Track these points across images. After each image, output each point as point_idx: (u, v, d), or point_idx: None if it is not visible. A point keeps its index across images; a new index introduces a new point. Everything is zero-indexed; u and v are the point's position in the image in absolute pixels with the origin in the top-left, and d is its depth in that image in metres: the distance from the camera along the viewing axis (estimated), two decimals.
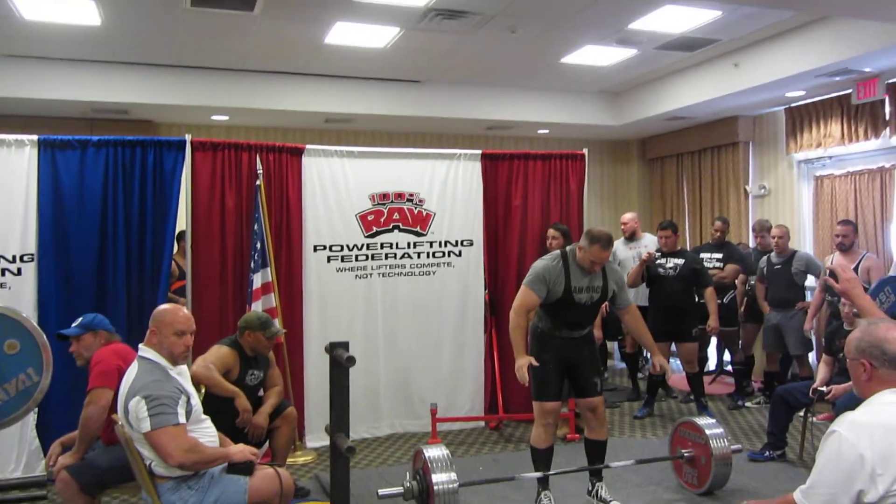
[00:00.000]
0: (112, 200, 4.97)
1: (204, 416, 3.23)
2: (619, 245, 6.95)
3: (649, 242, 6.72)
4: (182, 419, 2.98)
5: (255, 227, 5.18)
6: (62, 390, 4.00)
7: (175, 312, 3.20)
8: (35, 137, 4.83)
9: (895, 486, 2.08)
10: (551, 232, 5.83)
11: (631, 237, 6.92)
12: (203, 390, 3.92)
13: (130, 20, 5.75)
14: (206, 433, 3.20)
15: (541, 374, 4.06)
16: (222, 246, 5.25)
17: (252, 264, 5.15)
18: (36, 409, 4.12)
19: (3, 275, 4.71)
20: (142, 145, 5.07)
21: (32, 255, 4.76)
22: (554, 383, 4.08)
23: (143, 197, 5.04)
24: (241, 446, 3.25)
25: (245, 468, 3.14)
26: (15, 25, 5.69)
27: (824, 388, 4.66)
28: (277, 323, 5.01)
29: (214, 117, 7.69)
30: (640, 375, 7.14)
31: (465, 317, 5.94)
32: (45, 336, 3.50)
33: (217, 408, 3.75)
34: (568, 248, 4.14)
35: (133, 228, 5.02)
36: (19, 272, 4.74)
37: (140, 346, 3.17)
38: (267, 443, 4.20)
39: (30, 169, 4.79)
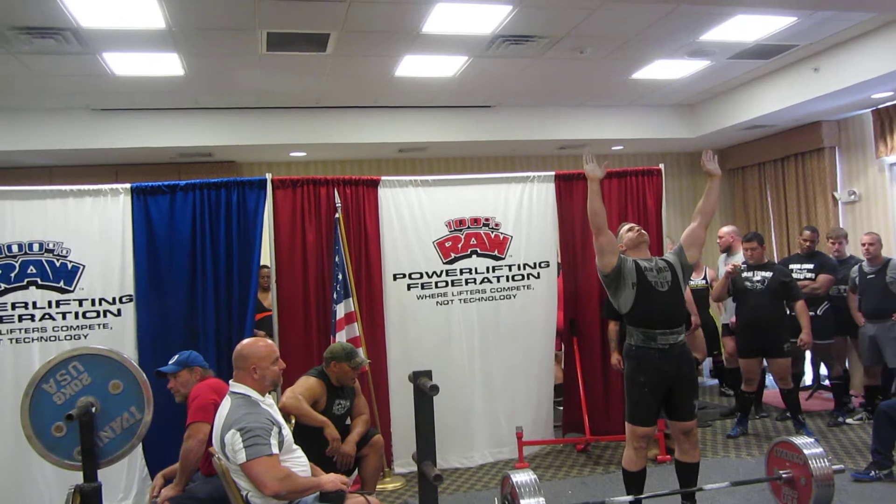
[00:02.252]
0: (200, 240, 5.19)
1: (295, 447, 3.33)
2: (720, 260, 6.81)
3: (734, 262, 6.53)
4: (275, 449, 3.07)
5: (336, 258, 5.32)
6: (163, 426, 4.18)
7: (267, 344, 3.34)
8: (128, 185, 5.13)
9: None
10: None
11: (727, 251, 6.72)
12: (293, 421, 4.03)
13: (211, 68, 6.05)
14: (299, 463, 3.28)
15: (637, 397, 3.98)
16: (305, 279, 5.41)
17: (335, 295, 5.27)
18: (141, 444, 4.31)
19: (106, 316, 4.99)
20: (226, 186, 5.29)
21: (131, 296, 5.03)
22: (650, 408, 3.98)
23: (228, 235, 5.25)
24: (332, 475, 3.32)
25: (337, 497, 3.20)
26: (108, 81, 6.09)
27: None
28: (362, 353, 5.12)
29: (293, 154, 7.97)
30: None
31: (545, 338, 5.90)
32: (144, 375, 3.68)
33: (306, 438, 3.84)
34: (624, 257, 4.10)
35: (220, 266, 5.22)
36: (119, 313, 5.02)
37: (231, 381, 3.29)
38: (356, 471, 4.27)
39: (125, 215, 5.08)
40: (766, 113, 7.33)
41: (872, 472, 4.73)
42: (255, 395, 3.22)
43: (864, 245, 6.16)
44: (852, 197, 7.71)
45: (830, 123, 7.85)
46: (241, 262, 5.26)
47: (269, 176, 5.35)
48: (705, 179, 4.32)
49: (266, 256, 5.39)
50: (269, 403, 3.29)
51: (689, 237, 4.15)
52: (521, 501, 3.70)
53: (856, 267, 6.27)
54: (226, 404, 3.22)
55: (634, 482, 4.03)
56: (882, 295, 6.02)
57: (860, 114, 7.57)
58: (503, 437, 5.73)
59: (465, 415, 5.70)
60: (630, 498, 4.02)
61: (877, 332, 6.02)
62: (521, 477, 3.82)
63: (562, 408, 6.17)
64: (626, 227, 4.24)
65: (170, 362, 3.98)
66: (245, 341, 3.45)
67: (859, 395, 6.71)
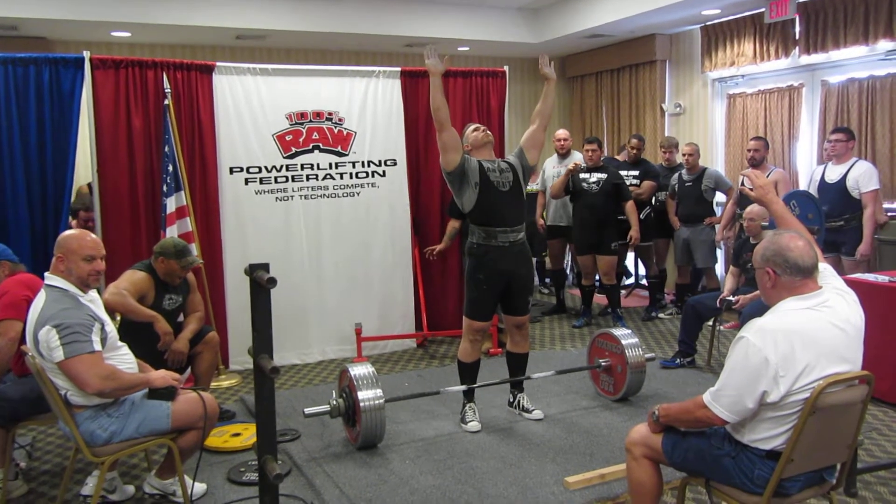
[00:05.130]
0: (6, 123, 4.69)
1: (121, 343, 3.16)
2: (549, 162, 7.02)
3: (579, 160, 6.79)
4: (97, 346, 2.89)
5: (166, 149, 4.98)
6: None
7: (82, 238, 3.07)
8: None
9: (795, 386, 2.23)
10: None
11: (565, 155, 6.95)
12: (118, 318, 3.81)
13: None
14: (124, 360, 3.13)
15: (475, 294, 4.10)
16: (131, 169, 5.04)
17: (165, 188, 4.97)
18: None
19: None
20: (35, 63, 4.77)
21: None
22: (486, 304, 4.11)
23: (40, 119, 4.78)
24: (162, 372, 3.19)
25: (167, 393, 3.09)
26: None
27: (732, 298, 4.91)
28: (195, 252, 4.90)
29: (115, 33, 7.21)
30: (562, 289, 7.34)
31: (393, 238, 5.92)
32: None
33: (135, 334, 3.66)
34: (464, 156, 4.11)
35: (31, 152, 4.77)
36: None
37: (46, 274, 3.04)
38: (189, 369, 4.15)
39: None
40: (606, 22, 7.51)
41: (678, 360, 5.24)
42: (73, 289, 2.99)
43: (684, 155, 6.63)
44: (678, 109, 8.19)
45: (663, 37, 8.20)
46: (55, 149, 4.82)
47: (87, 54, 4.85)
48: None
49: (86, 143, 4.94)
50: (90, 299, 3.07)
51: (529, 139, 4.23)
52: (359, 393, 3.77)
53: (676, 175, 6.75)
54: (40, 299, 2.97)
55: (468, 372, 4.21)
56: (696, 201, 6.56)
57: (690, 29, 7.96)
58: (344, 335, 5.77)
59: (305, 312, 5.67)
60: (464, 387, 4.20)
61: (689, 236, 6.58)
62: (359, 370, 3.88)
63: None
64: (472, 127, 4.24)
65: None
66: (69, 230, 3.18)
67: (671, 293, 7.36)
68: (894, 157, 6.04)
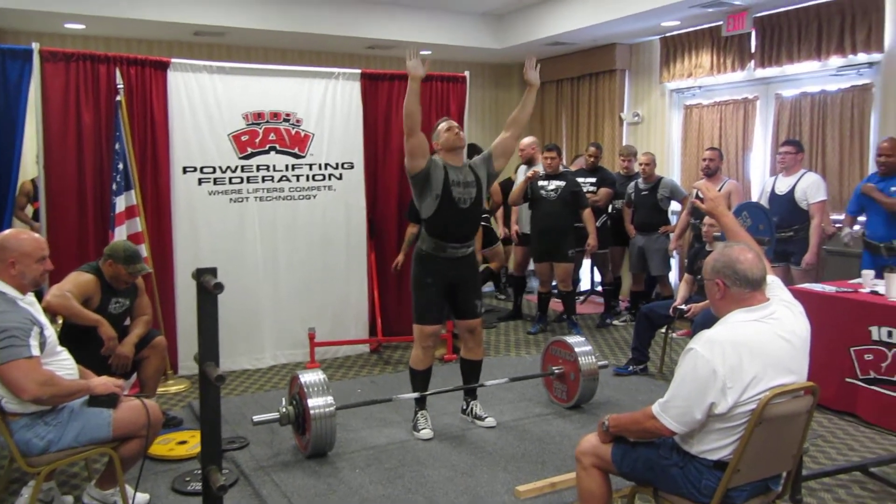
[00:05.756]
0: None
1: (60, 348, 3.05)
2: (521, 171, 7.01)
3: (538, 168, 6.79)
4: (35, 351, 2.78)
5: (117, 146, 4.85)
6: None
7: (33, 240, 2.97)
8: None
9: (742, 397, 2.25)
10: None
11: (528, 163, 6.95)
12: (60, 321, 3.69)
13: None
14: (64, 366, 3.02)
15: (424, 298, 4.07)
16: (79, 166, 4.90)
17: (114, 186, 4.84)
18: None
19: None
20: None
21: None
22: (435, 308, 4.09)
23: None
24: (103, 378, 3.09)
25: (108, 400, 2.99)
26: None
27: (684, 307, 4.96)
28: (146, 257, 4.79)
29: (68, 25, 7.03)
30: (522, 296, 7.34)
31: (349, 241, 5.86)
32: None
33: (78, 339, 3.56)
34: (434, 156, 4.03)
35: None
36: None
37: None
38: (135, 375, 4.04)
39: None
40: (567, 31, 7.57)
41: (631, 367, 5.28)
42: (11, 291, 2.88)
43: (640, 164, 6.70)
44: (636, 118, 8.28)
45: (623, 47, 8.29)
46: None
47: (35, 46, 4.70)
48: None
49: (33, 138, 4.79)
50: (29, 301, 2.96)
51: (500, 146, 4.15)
52: (309, 401, 3.71)
53: (632, 183, 6.82)
54: None
55: (420, 380, 4.17)
56: (652, 210, 6.64)
57: (650, 40, 8.05)
58: (297, 339, 5.69)
59: (257, 316, 5.57)
60: (416, 394, 4.16)
61: (644, 244, 6.66)
62: (310, 377, 3.82)
63: None
64: (445, 125, 4.07)
65: None
66: (7, 231, 3.06)
67: (625, 300, 7.43)
68: (843, 170, 6.18)
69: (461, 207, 3.96)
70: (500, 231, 7.08)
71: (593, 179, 6.86)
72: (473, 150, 7.16)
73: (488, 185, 4.16)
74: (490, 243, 7.14)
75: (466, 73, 6.26)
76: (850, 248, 5.24)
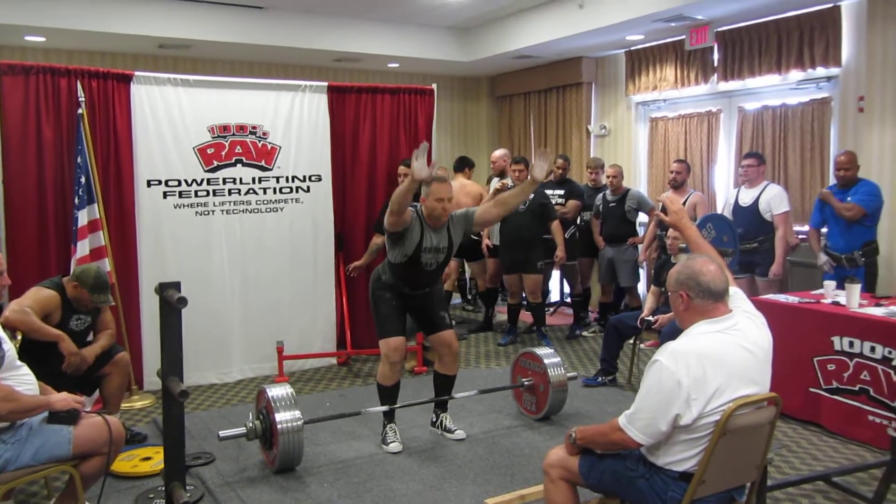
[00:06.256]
0: None
1: (20, 363, 2.98)
2: (494, 184, 7.03)
3: (507, 179, 6.82)
4: None
5: (79, 159, 4.77)
6: None
7: None
8: None
9: (706, 408, 2.27)
10: (402, 170, 5.80)
11: (501, 175, 6.97)
12: (19, 337, 3.61)
13: None
14: (24, 381, 2.95)
15: (385, 311, 4.08)
16: (40, 180, 4.83)
17: (76, 200, 4.76)
18: None
19: None
20: None
21: None
22: (396, 318, 4.08)
23: None
24: (64, 394, 3.02)
25: (68, 417, 2.92)
26: None
27: (652, 318, 5.01)
28: (109, 271, 4.73)
29: (29, 38, 6.92)
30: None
31: (316, 254, 5.82)
32: None
33: (38, 354, 3.47)
34: (417, 207, 4.01)
35: None
36: None
37: None
38: (97, 391, 3.96)
39: None
40: (534, 44, 7.63)
41: (600, 378, 5.31)
42: None
43: (608, 177, 6.77)
44: (603, 131, 8.37)
45: (590, 60, 8.38)
46: None
47: None
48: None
49: None
50: None
51: (483, 217, 4.10)
52: (276, 415, 3.67)
53: (600, 195, 6.89)
54: None
55: (388, 395, 4.15)
56: (620, 221, 6.70)
57: (615, 53, 8.15)
58: (265, 353, 5.63)
59: (225, 329, 5.51)
60: (385, 407, 4.14)
61: (613, 255, 6.72)
62: (277, 391, 3.78)
63: None
64: (437, 188, 3.84)
65: None
66: None
67: (595, 311, 7.47)
68: (805, 182, 6.30)
69: (426, 269, 4.02)
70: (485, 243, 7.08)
71: (562, 191, 6.91)
72: (464, 162, 7.20)
73: (456, 248, 4.13)
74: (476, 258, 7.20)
75: (434, 86, 6.29)
76: (827, 270, 5.32)
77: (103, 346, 3.88)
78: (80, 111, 4.80)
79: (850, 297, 4.32)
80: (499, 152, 7.10)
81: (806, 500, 3.47)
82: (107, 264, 4.80)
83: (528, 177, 3.97)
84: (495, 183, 6.95)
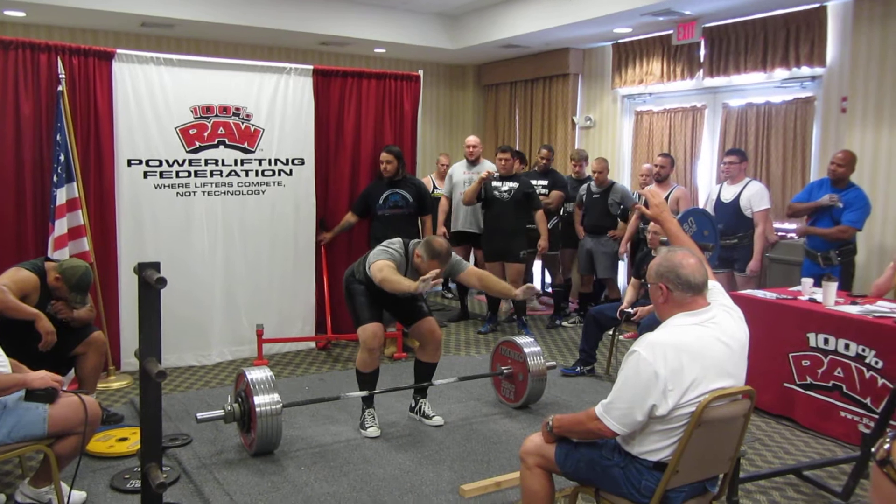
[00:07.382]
0: None
1: None
2: (458, 167, 7.03)
3: (490, 168, 6.82)
4: None
5: (58, 137, 4.71)
6: None
7: None
8: None
9: (682, 399, 2.29)
10: (384, 156, 5.79)
11: (475, 162, 6.98)
12: None
13: None
14: None
15: (357, 300, 4.10)
16: (18, 158, 4.76)
17: (55, 178, 4.69)
18: None
19: None
20: None
21: None
22: (372, 306, 4.09)
23: None
24: (41, 372, 2.99)
25: (46, 395, 2.90)
26: None
27: (631, 310, 5.04)
28: (87, 252, 4.69)
29: (7, 12, 6.79)
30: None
31: (297, 238, 5.80)
32: None
33: (14, 334, 3.43)
34: (410, 244, 4.06)
35: None
36: None
37: None
38: (73, 371, 3.93)
39: None
40: (521, 34, 7.62)
41: (578, 368, 5.34)
42: None
43: (593, 172, 6.79)
44: (588, 122, 8.39)
45: (577, 52, 8.39)
46: None
47: None
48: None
49: None
50: None
51: (466, 279, 4.14)
52: (255, 398, 3.66)
53: (584, 186, 6.91)
54: None
55: (367, 381, 4.15)
56: (602, 213, 6.73)
57: (603, 45, 8.16)
58: (244, 336, 5.62)
59: (204, 311, 5.48)
60: (364, 393, 4.15)
61: (593, 246, 6.75)
62: (256, 374, 3.77)
63: None
64: (433, 266, 3.86)
65: None
66: None
67: (575, 302, 7.52)
68: (786, 180, 6.36)
69: (399, 298, 4.09)
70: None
71: (545, 182, 6.92)
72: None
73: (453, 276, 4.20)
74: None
75: (420, 72, 6.26)
76: (835, 203, 5.20)
77: (80, 316, 3.86)
78: (59, 88, 4.73)
79: (827, 295, 4.37)
80: (472, 139, 7.07)
81: (777, 492, 3.52)
82: (85, 243, 4.75)
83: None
84: (463, 168, 6.94)
